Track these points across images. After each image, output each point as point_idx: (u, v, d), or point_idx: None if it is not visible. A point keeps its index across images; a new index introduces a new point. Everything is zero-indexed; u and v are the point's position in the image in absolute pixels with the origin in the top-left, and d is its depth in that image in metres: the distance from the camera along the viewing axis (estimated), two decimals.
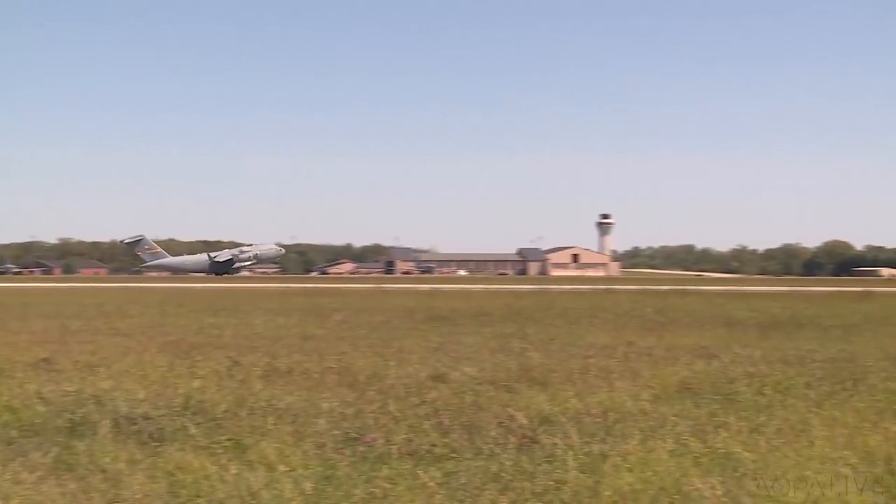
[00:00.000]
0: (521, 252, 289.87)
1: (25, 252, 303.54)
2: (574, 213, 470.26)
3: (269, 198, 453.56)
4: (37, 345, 22.45)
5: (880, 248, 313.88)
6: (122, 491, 9.23)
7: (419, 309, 39.73)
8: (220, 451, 10.60)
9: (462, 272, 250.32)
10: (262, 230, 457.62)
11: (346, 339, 24.61)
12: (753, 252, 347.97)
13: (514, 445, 10.89)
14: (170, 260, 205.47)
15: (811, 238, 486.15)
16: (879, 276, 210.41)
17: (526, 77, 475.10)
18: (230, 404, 13.38)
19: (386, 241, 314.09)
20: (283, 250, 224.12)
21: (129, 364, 18.24)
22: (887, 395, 14.33)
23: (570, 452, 10.40)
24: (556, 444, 10.81)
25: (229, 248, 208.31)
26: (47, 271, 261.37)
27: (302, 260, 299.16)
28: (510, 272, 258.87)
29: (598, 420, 12.36)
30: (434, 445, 10.85)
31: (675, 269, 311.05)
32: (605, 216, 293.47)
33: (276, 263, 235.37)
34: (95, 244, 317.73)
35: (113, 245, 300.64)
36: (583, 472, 9.60)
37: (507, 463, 10.01)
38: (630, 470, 9.63)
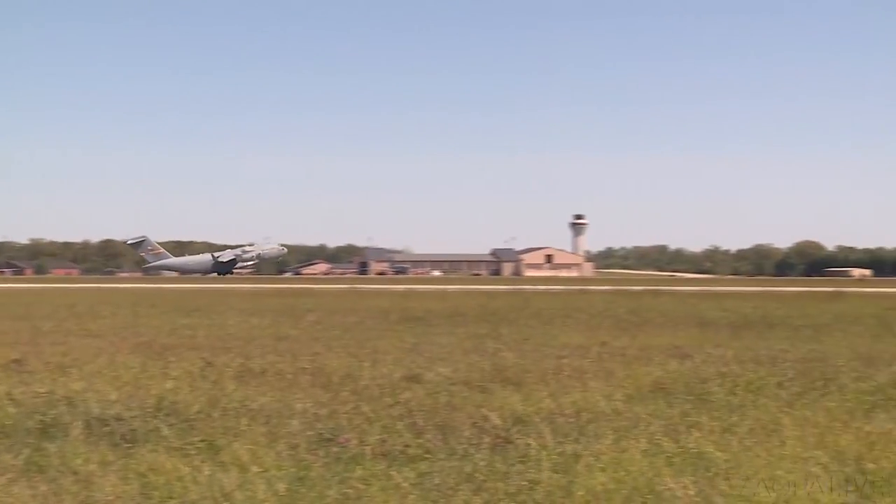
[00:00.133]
0: (495, 253, 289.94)
1: None
2: (548, 213, 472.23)
3: (242, 197, 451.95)
4: (7, 346, 22.26)
5: (851, 248, 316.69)
6: (94, 493, 9.17)
7: (393, 309, 39.70)
8: (193, 452, 10.56)
9: (436, 273, 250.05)
10: (232, 229, 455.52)
11: (319, 339, 24.56)
12: (726, 252, 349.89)
13: (488, 446, 10.91)
14: (173, 260, 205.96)
15: (783, 239, 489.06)
16: (850, 276, 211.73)
17: (500, 78, 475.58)
18: (203, 405, 13.33)
19: (360, 242, 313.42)
20: (286, 250, 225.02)
21: (102, 365, 18.13)
22: (857, 395, 14.47)
23: (544, 452, 10.43)
24: (529, 445, 10.84)
25: (232, 249, 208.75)
26: (18, 272, 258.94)
27: (276, 260, 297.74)
28: (484, 273, 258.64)
29: (571, 420, 12.40)
30: (408, 446, 10.85)
31: (649, 270, 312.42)
32: (579, 217, 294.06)
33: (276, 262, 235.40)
34: (67, 244, 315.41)
35: (85, 245, 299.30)
36: (556, 472, 9.63)
37: (481, 463, 10.03)
38: (603, 470, 9.67)
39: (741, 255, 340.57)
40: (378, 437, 11.28)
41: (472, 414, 12.80)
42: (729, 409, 13.33)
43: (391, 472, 9.64)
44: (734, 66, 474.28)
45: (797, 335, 26.32)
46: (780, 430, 11.68)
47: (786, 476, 9.46)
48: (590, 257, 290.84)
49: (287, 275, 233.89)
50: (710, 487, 9.14)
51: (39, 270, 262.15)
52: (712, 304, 45.20)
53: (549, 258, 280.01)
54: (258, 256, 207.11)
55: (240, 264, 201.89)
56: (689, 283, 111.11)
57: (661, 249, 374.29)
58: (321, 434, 11.48)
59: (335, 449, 10.72)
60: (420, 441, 11.09)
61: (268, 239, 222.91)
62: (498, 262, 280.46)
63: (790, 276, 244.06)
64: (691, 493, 8.93)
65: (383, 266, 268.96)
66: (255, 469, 9.78)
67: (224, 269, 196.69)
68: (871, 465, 9.96)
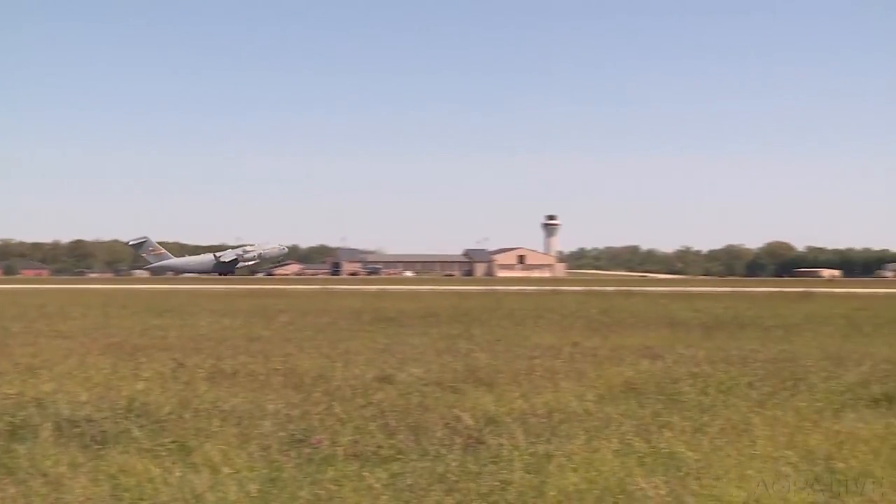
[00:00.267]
0: (467, 253, 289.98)
1: None
2: (520, 214, 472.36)
3: (220, 198, 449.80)
4: None
5: (821, 249, 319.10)
6: (64, 495, 9.12)
7: (366, 310, 39.67)
8: (164, 453, 10.51)
9: (409, 273, 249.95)
10: (207, 230, 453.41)
11: (291, 340, 24.49)
12: (697, 253, 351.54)
13: (460, 446, 10.93)
14: (174, 261, 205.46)
15: (754, 239, 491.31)
16: (820, 276, 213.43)
17: (476, 78, 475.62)
18: (174, 406, 13.28)
19: (332, 243, 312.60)
20: (287, 249, 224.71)
21: (72, 366, 18.01)
22: (827, 395, 14.58)
23: (516, 453, 10.46)
24: (501, 445, 10.86)
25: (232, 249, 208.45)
26: None
27: (277, 260, 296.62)
28: (457, 273, 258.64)
29: (543, 420, 12.44)
30: (380, 447, 10.85)
31: (621, 270, 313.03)
32: (551, 217, 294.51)
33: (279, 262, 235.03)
34: (36, 245, 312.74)
35: (55, 246, 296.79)
36: (528, 473, 9.66)
37: (453, 464, 10.04)
38: (575, 470, 9.70)
39: (712, 255, 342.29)
40: (350, 437, 11.28)
41: (444, 414, 12.81)
42: (700, 409, 13.41)
43: (363, 473, 9.63)
44: (708, 68, 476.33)
45: (768, 335, 26.50)
46: (750, 429, 11.77)
47: (756, 475, 9.54)
48: (562, 258, 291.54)
49: (259, 275, 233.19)
50: (681, 487, 9.19)
51: (8, 271, 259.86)
52: (683, 305, 45.42)
53: (521, 259, 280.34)
54: (259, 256, 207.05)
55: (241, 264, 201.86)
56: (661, 284, 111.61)
57: (633, 250, 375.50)
58: (293, 435, 11.46)
59: (307, 450, 10.70)
60: (392, 442, 11.10)
61: (239, 238, 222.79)
62: (470, 263, 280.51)
63: (761, 276, 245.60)
64: (662, 492, 8.98)
65: (356, 267, 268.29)
66: (226, 470, 9.75)
67: (225, 269, 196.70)
68: (840, 465, 10.05)
